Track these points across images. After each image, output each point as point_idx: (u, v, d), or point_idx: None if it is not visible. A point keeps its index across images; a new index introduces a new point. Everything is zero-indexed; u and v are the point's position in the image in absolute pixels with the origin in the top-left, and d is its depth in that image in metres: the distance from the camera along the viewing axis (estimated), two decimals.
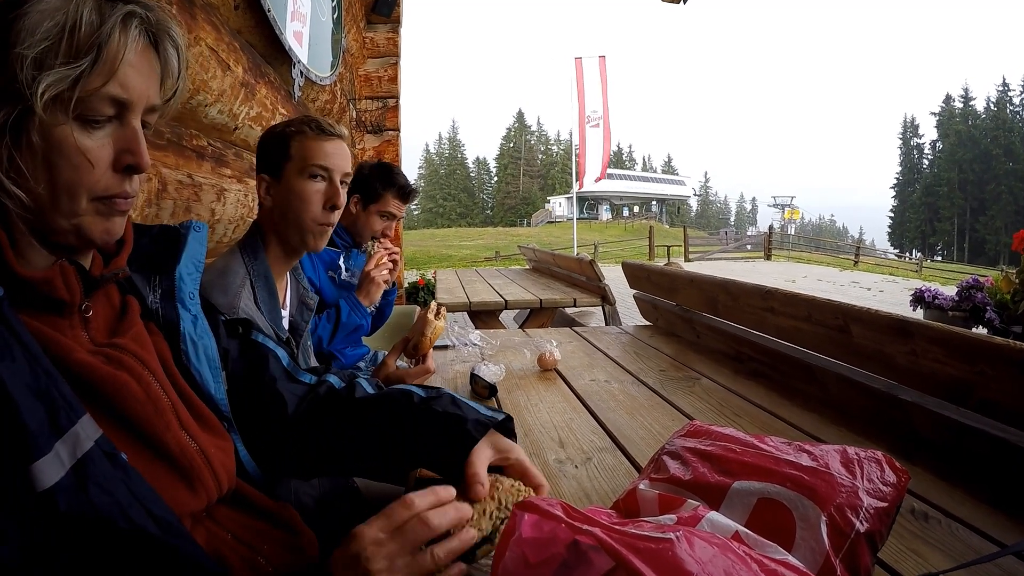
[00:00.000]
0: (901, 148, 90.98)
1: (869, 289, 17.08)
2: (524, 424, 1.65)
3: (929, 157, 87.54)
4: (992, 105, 78.80)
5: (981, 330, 2.71)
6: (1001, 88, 78.86)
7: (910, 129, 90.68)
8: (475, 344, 2.49)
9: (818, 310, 1.97)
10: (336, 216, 1.67)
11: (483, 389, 1.85)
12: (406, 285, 6.80)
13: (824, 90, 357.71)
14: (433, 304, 1.76)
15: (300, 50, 3.22)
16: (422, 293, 6.91)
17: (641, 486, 1.02)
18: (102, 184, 0.80)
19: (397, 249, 2.69)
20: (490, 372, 1.88)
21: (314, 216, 1.63)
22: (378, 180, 2.71)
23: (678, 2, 5.36)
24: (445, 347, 2.55)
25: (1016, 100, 77.68)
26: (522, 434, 1.56)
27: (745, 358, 2.47)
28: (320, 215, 1.63)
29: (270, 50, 2.98)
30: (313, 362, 1.96)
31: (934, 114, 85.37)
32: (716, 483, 0.99)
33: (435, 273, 7.79)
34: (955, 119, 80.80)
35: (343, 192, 1.66)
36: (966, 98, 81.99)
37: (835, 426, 1.74)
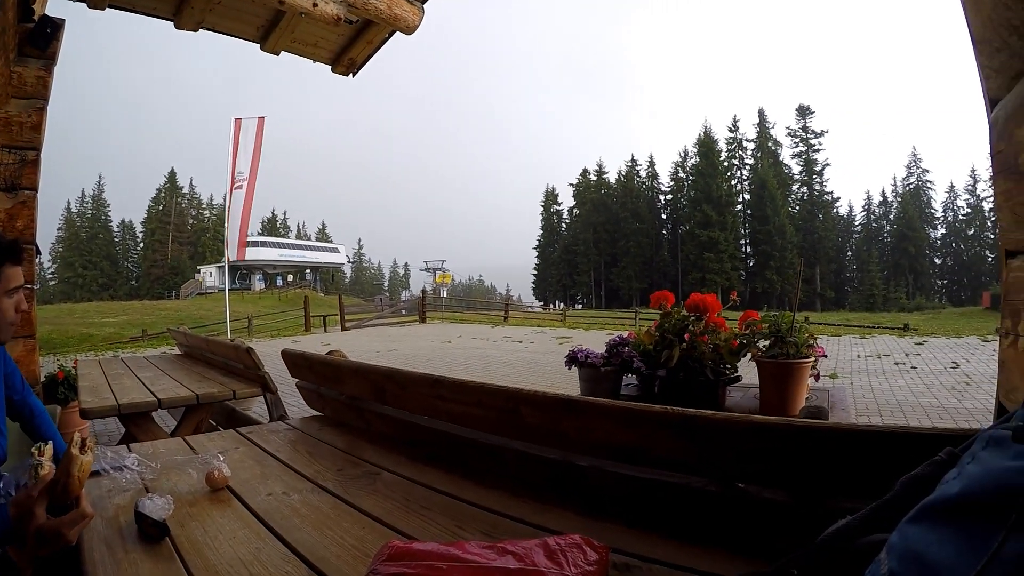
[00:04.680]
0: (543, 214, 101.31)
1: (520, 342, 18.40)
2: (209, 566, 1.42)
3: (567, 221, 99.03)
4: (622, 177, 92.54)
5: (632, 378, 2.99)
6: (629, 163, 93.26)
7: (551, 198, 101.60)
8: (132, 469, 2.15)
9: (488, 395, 2.03)
10: None
11: (153, 528, 1.58)
12: (43, 379, 5.87)
13: (468, 158, 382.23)
14: (77, 436, 1.48)
15: None
16: (62, 388, 5.95)
17: None
18: None
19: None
20: (156, 507, 1.61)
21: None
22: None
23: (348, 74, 5.43)
24: (97, 474, 2.12)
25: (643, 173, 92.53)
26: None
27: (419, 443, 2.48)
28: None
29: None
30: None
31: (572, 185, 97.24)
32: None
33: (76, 363, 6.82)
34: (591, 189, 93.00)
35: None
36: (600, 171, 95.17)
37: (523, 499, 1.79)
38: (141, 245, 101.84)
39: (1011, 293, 1.33)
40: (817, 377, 2.70)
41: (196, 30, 5.29)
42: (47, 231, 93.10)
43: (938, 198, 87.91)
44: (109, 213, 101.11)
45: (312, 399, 3.33)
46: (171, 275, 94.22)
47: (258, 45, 5.63)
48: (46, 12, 4.64)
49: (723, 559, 1.33)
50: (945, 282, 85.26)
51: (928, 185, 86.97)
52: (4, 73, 4.41)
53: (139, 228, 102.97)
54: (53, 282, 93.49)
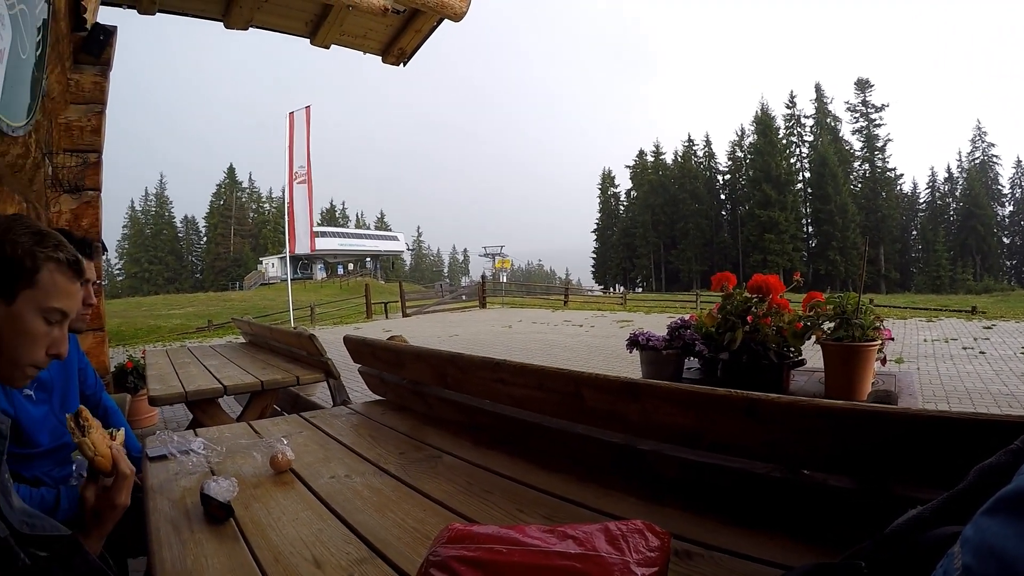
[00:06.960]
0: (600, 197, 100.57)
1: (581, 326, 18.33)
2: (272, 547, 1.44)
3: (625, 204, 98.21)
4: (679, 158, 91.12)
5: (694, 361, 2.97)
6: (686, 143, 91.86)
7: (608, 180, 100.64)
8: (199, 452, 2.18)
9: (549, 379, 2.00)
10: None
11: (218, 510, 1.60)
12: (113, 369, 6.08)
13: (525, 143, 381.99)
14: (70, 423, 1.42)
15: None
16: (131, 377, 6.18)
17: None
18: None
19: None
20: (222, 489, 1.65)
21: (33, 360, 1.29)
22: None
23: (399, 64, 5.44)
24: (163, 458, 2.15)
25: (700, 153, 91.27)
26: (272, 559, 1.37)
27: (482, 427, 2.47)
28: (40, 360, 1.30)
29: None
30: (16, 499, 1.60)
31: (628, 167, 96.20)
32: None
33: (144, 352, 7.05)
34: (647, 171, 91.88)
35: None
36: (657, 152, 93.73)
37: (585, 483, 1.77)
38: (204, 239, 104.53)
39: None
40: (884, 361, 2.63)
41: (246, 29, 5.34)
42: (112, 229, 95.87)
43: (1005, 174, 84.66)
44: (172, 210, 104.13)
45: (374, 384, 3.35)
46: (234, 267, 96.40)
47: (308, 40, 5.68)
48: (98, 20, 4.72)
49: (786, 547, 1.30)
50: (1014, 263, 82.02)
51: (995, 160, 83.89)
52: (62, 81, 4.53)
53: (202, 223, 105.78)
54: (120, 278, 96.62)
